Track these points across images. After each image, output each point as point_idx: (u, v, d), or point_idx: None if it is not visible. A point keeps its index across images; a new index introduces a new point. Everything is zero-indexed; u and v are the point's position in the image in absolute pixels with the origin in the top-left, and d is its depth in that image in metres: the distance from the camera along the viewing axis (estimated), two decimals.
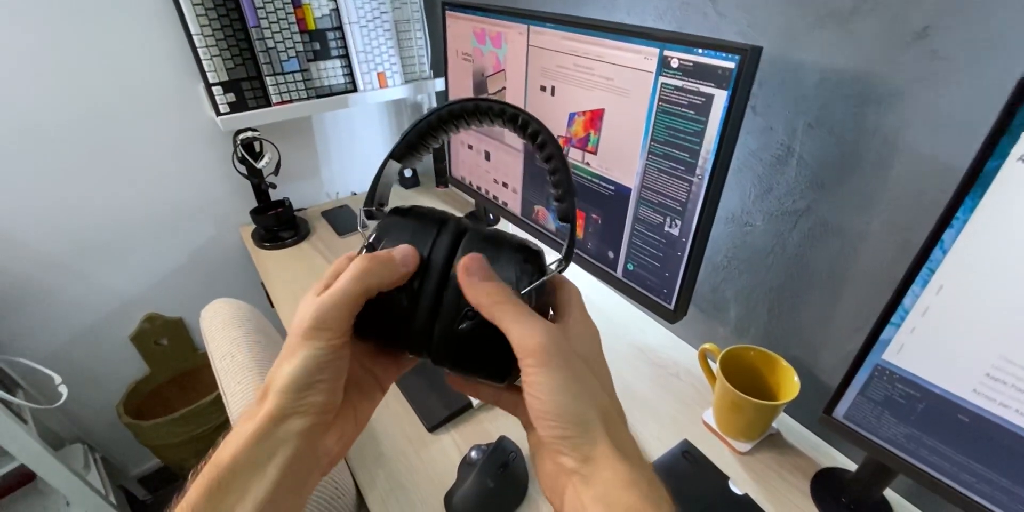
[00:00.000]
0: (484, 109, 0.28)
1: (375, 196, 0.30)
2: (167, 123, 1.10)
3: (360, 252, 0.27)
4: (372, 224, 0.29)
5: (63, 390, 1.04)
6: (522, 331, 0.23)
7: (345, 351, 0.25)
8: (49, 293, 1.13)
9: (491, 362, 0.26)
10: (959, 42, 0.48)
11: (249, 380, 0.59)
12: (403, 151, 0.29)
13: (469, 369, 0.27)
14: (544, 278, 0.26)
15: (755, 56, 0.51)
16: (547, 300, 0.28)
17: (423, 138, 0.29)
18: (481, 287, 0.24)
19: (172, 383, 1.38)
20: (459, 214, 0.31)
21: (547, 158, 0.28)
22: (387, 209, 0.29)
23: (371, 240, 0.27)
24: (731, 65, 0.52)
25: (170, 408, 1.22)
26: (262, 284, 1.10)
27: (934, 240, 0.39)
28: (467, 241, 0.27)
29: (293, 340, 0.24)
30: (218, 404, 1.25)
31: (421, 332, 0.26)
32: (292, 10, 1.03)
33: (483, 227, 0.28)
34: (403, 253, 0.26)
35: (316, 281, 0.27)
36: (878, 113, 0.56)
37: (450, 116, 0.28)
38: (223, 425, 1.29)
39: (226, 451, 0.23)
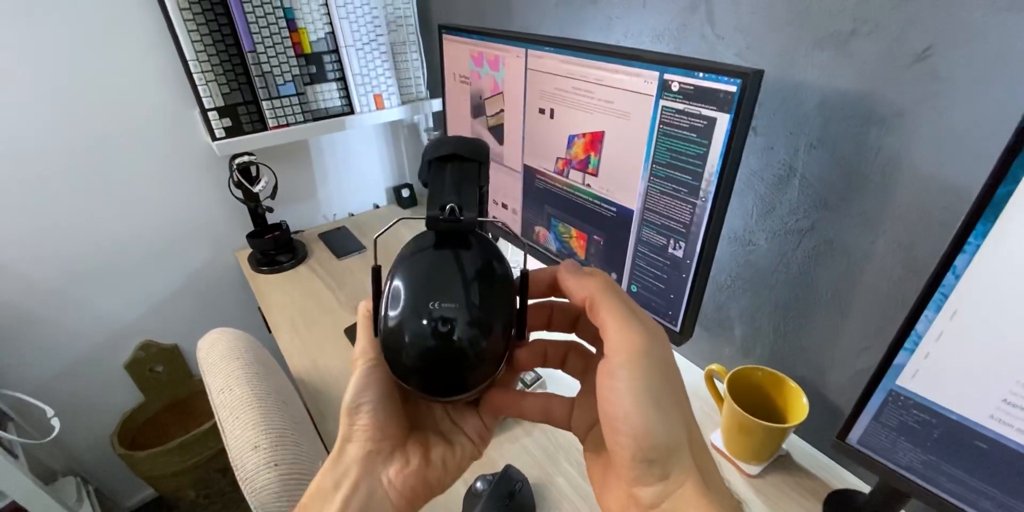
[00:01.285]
0: None
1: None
2: (162, 148, 1.10)
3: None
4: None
5: (55, 423, 1.01)
6: (620, 322, 0.20)
7: (380, 371, 0.25)
8: (41, 322, 1.11)
9: (473, 364, 0.23)
10: (960, 63, 0.48)
11: (248, 415, 0.57)
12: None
13: (464, 379, 0.24)
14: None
15: (757, 79, 0.51)
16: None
17: None
18: (589, 279, 0.22)
19: (167, 411, 1.35)
20: None
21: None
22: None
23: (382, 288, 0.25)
24: (733, 89, 0.52)
25: (166, 437, 1.20)
26: (259, 309, 1.09)
27: (946, 265, 0.39)
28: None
29: (355, 370, 0.25)
30: (215, 432, 1.22)
31: (413, 374, 0.24)
32: (288, 34, 1.04)
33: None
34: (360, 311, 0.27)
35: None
36: (880, 133, 0.56)
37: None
38: (220, 454, 1.26)
39: (314, 477, 0.24)
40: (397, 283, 0.24)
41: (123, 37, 0.98)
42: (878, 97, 0.55)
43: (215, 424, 1.20)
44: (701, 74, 0.54)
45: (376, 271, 0.26)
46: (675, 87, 0.57)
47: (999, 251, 0.37)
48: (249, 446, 0.56)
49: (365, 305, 0.26)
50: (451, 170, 0.26)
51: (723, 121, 0.54)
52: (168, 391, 1.34)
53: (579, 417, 0.25)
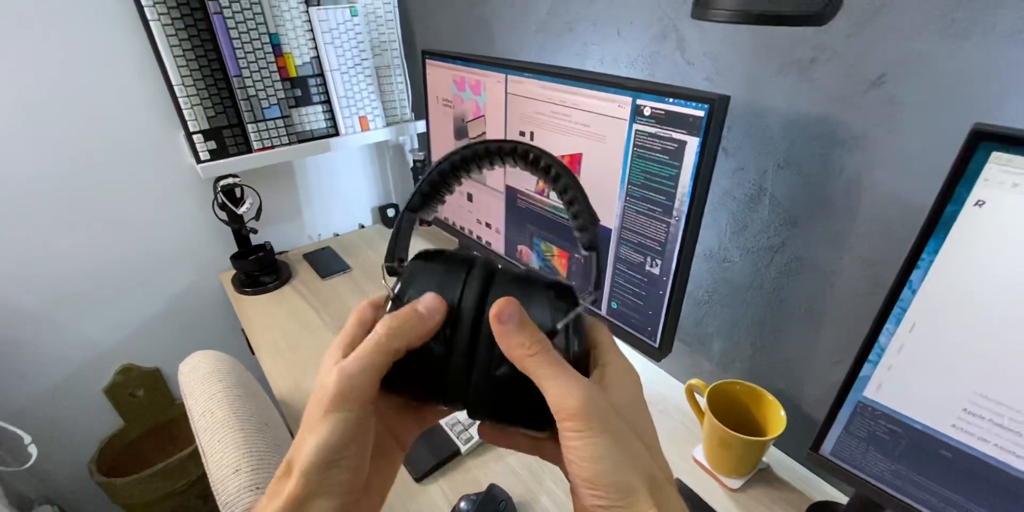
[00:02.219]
0: (494, 150, 0.27)
1: (395, 251, 0.28)
2: (145, 171, 1.10)
3: (386, 304, 0.26)
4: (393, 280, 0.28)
5: (32, 450, 0.99)
6: (559, 390, 0.22)
7: (371, 422, 0.23)
8: (19, 347, 1.09)
9: (532, 411, 0.24)
10: (913, 89, 0.51)
11: (229, 438, 0.57)
12: (419, 202, 0.28)
13: (508, 419, 0.25)
14: (575, 312, 0.25)
15: (723, 105, 0.54)
16: (582, 338, 0.26)
17: (436, 188, 0.28)
18: (514, 338, 0.23)
19: (148, 436, 1.33)
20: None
21: (563, 189, 0.27)
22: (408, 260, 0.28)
23: (396, 291, 0.25)
24: (701, 113, 0.54)
25: (145, 463, 1.17)
26: (242, 331, 1.08)
27: (903, 280, 0.41)
28: (498, 282, 0.25)
29: (315, 412, 0.22)
30: (196, 457, 1.20)
31: (457, 382, 0.24)
32: (273, 59, 1.06)
33: (514, 266, 0.27)
34: (428, 305, 0.24)
35: (338, 333, 0.26)
36: (842, 154, 0.58)
37: (462, 162, 0.27)
38: (201, 480, 1.23)
39: None
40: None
41: (108, 61, 0.99)
42: (839, 120, 0.58)
43: (196, 449, 1.17)
44: (671, 99, 0.57)
45: (397, 300, 0.25)
46: (647, 112, 0.59)
47: (950, 266, 0.39)
48: (230, 469, 0.56)
49: (385, 327, 0.23)
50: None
51: (693, 144, 0.56)
52: (149, 416, 1.32)
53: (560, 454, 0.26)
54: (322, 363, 0.24)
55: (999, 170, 0.35)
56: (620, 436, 0.22)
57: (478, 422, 0.26)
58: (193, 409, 0.64)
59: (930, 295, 0.40)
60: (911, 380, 0.42)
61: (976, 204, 0.37)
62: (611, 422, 0.22)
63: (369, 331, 0.26)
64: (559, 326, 0.24)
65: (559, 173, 0.27)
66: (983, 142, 0.36)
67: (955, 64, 0.48)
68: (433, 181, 0.28)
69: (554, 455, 0.27)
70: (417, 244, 1.33)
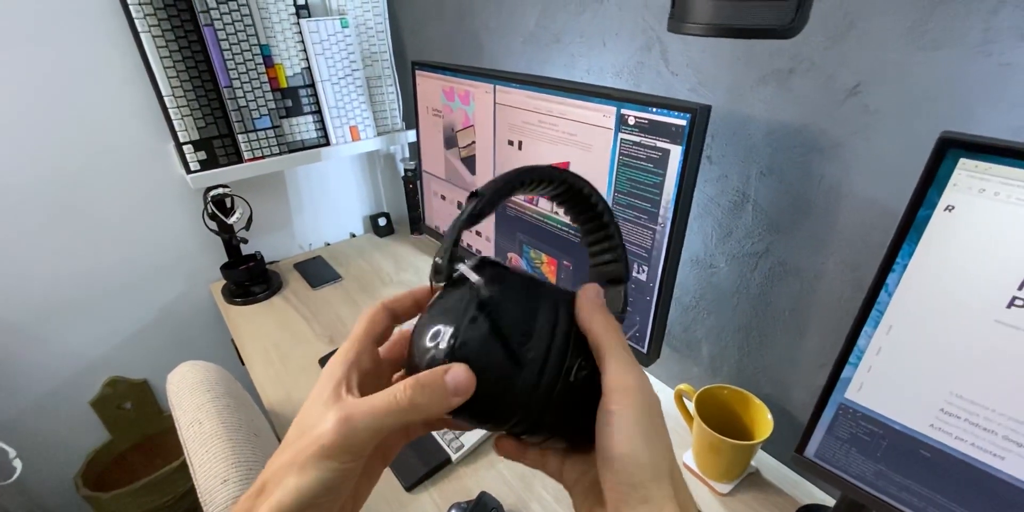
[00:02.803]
0: (546, 179, 0.26)
1: (451, 260, 0.26)
2: (134, 181, 1.10)
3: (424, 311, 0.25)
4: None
5: (17, 464, 0.98)
6: (621, 367, 0.23)
7: (359, 469, 0.23)
8: (3, 359, 1.08)
9: (590, 421, 0.24)
10: (888, 98, 0.53)
11: (217, 448, 0.57)
12: (471, 221, 0.26)
13: (570, 431, 0.25)
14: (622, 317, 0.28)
15: (705, 114, 0.55)
16: None
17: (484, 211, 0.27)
18: (600, 315, 0.25)
19: (135, 449, 1.31)
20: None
21: (606, 224, 0.28)
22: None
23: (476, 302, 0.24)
24: (683, 122, 0.56)
25: (133, 476, 1.16)
26: (232, 341, 1.08)
27: (879, 284, 0.42)
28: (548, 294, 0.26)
29: (309, 451, 0.21)
30: (184, 470, 1.18)
31: (527, 405, 0.23)
32: (264, 70, 1.07)
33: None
34: (459, 383, 0.22)
35: (345, 341, 0.25)
36: (822, 162, 0.60)
37: (520, 185, 0.26)
38: (189, 493, 1.22)
39: None
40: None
41: (98, 71, 0.99)
42: (818, 129, 0.59)
43: (184, 462, 1.16)
44: (654, 109, 0.58)
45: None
46: (631, 121, 0.61)
47: (924, 269, 0.40)
48: (218, 480, 0.55)
49: (410, 396, 0.22)
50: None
51: (676, 152, 0.57)
52: (136, 428, 1.30)
53: (571, 468, 0.27)
54: (323, 378, 0.24)
55: (967, 176, 0.37)
56: (657, 420, 0.23)
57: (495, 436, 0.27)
58: (181, 420, 0.63)
59: (906, 298, 0.41)
60: (890, 381, 0.43)
61: (946, 209, 0.38)
62: (653, 406, 0.24)
63: (381, 343, 0.27)
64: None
65: (604, 208, 0.28)
66: (951, 149, 0.37)
67: (926, 74, 0.50)
68: (491, 202, 0.26)
69: (555, 468, 0.28)
70: (406, 252, 1.34)
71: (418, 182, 1.16)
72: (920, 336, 0.41)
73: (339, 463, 0.21)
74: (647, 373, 0.28)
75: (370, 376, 0.26)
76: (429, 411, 0.22)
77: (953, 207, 0.38)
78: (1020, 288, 0.36)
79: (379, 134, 1.25)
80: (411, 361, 0.25)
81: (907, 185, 0.54)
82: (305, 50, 1.10)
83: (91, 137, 1.03)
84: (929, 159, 0.39)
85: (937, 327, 0.40)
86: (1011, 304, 0.36)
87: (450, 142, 0.95)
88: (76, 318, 1.13)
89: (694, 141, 0.56)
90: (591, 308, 0.25)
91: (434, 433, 0.76)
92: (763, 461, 0.74)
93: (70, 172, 1.03)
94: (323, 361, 0.95)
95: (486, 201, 0.25)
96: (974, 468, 0.40)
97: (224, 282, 1.20)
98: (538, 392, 0.23)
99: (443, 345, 0.23)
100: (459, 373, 0.22)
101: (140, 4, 0.92)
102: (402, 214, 1.47)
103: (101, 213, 1.08)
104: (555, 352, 0.24)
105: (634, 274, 0.67)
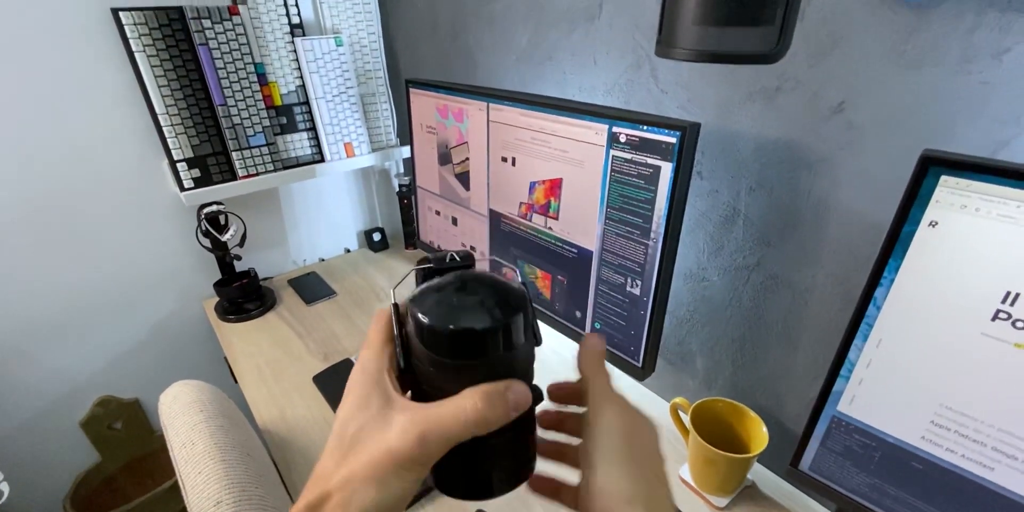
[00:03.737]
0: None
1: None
2: (127, 198, 1.10)
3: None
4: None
5: (4, 487, 0.96)
6: (598, 400, 0.27)
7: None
8: None
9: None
10: (871, 115, 0.54)
11: (210, 469, 0.56)
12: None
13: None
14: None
15: (694, 132, 0.56)
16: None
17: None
18: (600, 366, 0.28)
19: (125, 470, 1.29)
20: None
21: None
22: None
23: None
24: (673, 140, 0.57)
25: (123, 498, 1.13)
26: (225, 359, 1.07)
27: (867, 297, 0.42)
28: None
29: (386, 464, 0.21)
30: (175, 492, 1.16)
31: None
32: (259, 88, 1.08)
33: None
34: (517, 398, 0.23)
35: (369, 342, 0.26)
36: (810, 177, 0.61)
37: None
38: None
39: None
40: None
41: (91, 89, 0.99)
42: (804, 145, 0.60)
43: (175, 483, 1.14)
44: (645, 127, 0.59)
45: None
46: (623, 138, 0.62)
47: (910, 283, 0.41)
48: (211, 502, 0.55)
49: (482, 410, 0.23)
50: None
51: (667, 169, 0.58)
52: (127, 449, 1.28)
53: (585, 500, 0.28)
54: (360, 380, 0.24)
55: (948, 193, 0.38)
56: (638, 454, 0.26)
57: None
58: (173, 441, 0.63)
59: (894, 312, 0.42)
60: (881, 394, 0.43)
61: (930, 224, 0.39)
62: (635, 440, 0.26)
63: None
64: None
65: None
66: (932, 166, 0.38)
67: (908, 92, 0.51)
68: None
69: (570, 498, 0.30)
70: (401, 267, 1.34)
71: (413, 197, 1.17)
72: (909, 349, 0.41)
73: (416, 475, 0.22)
74: (644, 388, 0.30)
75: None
76: (491, 426, 0.23)
77: (937, 223, 0.38)
78: (1004, 301, 0.36)
79: (373, 150, 1.26)
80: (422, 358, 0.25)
81: (892, 199, 0.55)
82: (299, 68, 1.11)
83: (84, 155, 1.03)
84: (912, 176, 0.40)
85: (925, 340, 0.40)
86: (995, 317, 0.37)
87: (444, 159, 0.96)
88: (66, 336, 1.12)
89: (684, 158, 0.57)
90: (594, 361, 0.28)
91: None
92: (760, 474, 0.73)
93: (62, 189, 1.02)
94: (317, 379, 0.94)
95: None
96: (965, 479, 0.40)
97: (217, 299, 1.20)
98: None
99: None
100: (519, 389, 0.23)
101: (135, 24, 0.93)
102: (397, 229, 1.48)
103: (93, 230, 1.08)
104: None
105: (628, 288, 0.68)
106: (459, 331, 0.22)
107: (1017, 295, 0.36)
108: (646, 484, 0.24)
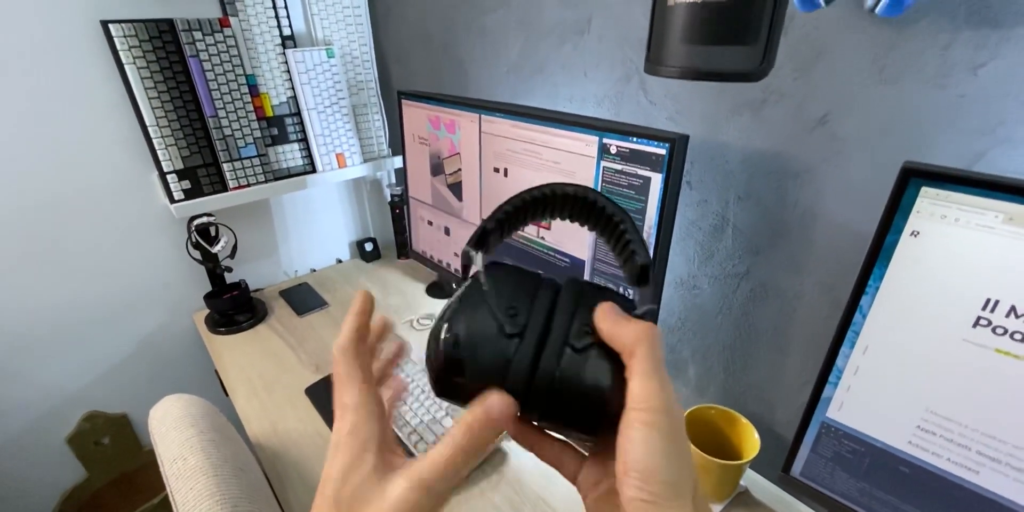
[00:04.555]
0: (560, 194, 0.28)
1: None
2: (116, 211, 1.09)
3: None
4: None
5: None
6: (651, 384, 0.22)
7: None
8: None
9: (603, 407, 0.23)
10: (854, 127, 0.56)
11: (202, 485, 0.56)
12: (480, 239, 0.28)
13: (576, 414, 0.24)
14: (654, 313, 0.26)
15: (683, 143, 0.58)
16: None
17: (500, 226, 0.28)
18: (623, 320, 0.23)
19: (113, 486, 1.26)
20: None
21: (623, 232, 0.28)
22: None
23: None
24: (662, 152, 0.58)
25: None
26: (216, 372, 1.06)
27: (854, 305, 0.43)
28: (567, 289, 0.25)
29: (414, 499, 0.21)
30: (164, 508, 1.15)
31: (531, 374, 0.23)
32: (250, 99, 1.08)
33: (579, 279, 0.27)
34: (501, 412, 0.22)
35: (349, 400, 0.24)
36: (796, 186, 0.62)
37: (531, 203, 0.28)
38: None
39: None
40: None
41: (80, 100, 0.99)
42: (790, 155, 0.62)
43: (164, 499, 1.13)
44: (635, 138, 0.60)
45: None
46: (613, 150, 0.63)
47: (895, 291, 0.42)
48: None
49: (469, 441, 0.22)
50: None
51: (657, 180, 0.59)
52: (114, 465, 1.26)
53: (587, 473, 0.27)
54: (349, 444, 0.23)
55: (929, 203, 0.39)
56: (680, 437, 0.22)
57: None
58: (164, 456, 0.62)
59: (879, 319, 0.43)
60: (868, 400, 0.44)
61: (912, 234, 0.40)
62: (677, 422, 0.22)
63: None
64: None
65: (622, 219, 0.28)
66: (913, 178, 0.39)
67: (889, 105, 0.53)
68: (499, 219, 0.28)
69: (571, 470, 0.27)
70: (393, 277, 1.34)
71: (405, 207, 1.17)
72: (895, 356, 0.42)
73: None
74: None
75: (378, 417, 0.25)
76: (485, 447, 0.22)
77: (918, 232, 0.40)
78: (984, 308, 0.38)
79: (365, 161, 1.26)
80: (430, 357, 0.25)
81: (876, 209, 0.56)
82: (291, 80, 1.12)
83: (72, 167, 1.02)
84: (893, 187, 0.41)
85: (910, 347, 0.41)
86: (976, 323, 0.38)
87: (436, 169, 0.97)
88: (54, 351, 1.10)
89: (673, 169, 0.58)
90: (610, 317, 0.23)
91: None
92: (752, 480, 0.74)
93: (49, 202, 1.01)
94: (309, 391, 0.94)
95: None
96: (951, 483, 0.41)
97: (207, 311, 1.19)
98: (522, 353, 0.23)
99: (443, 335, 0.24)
100: (494, 402, 0.22)
101: (125, 36, 0.93)
102: (389, 239, 1.48)
103: (81, 243, 1.07)
104: (535, 317, 0.24)
105: None
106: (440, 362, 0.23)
107: (997, 302, 0.37)
108: (691, 473, 0.22)
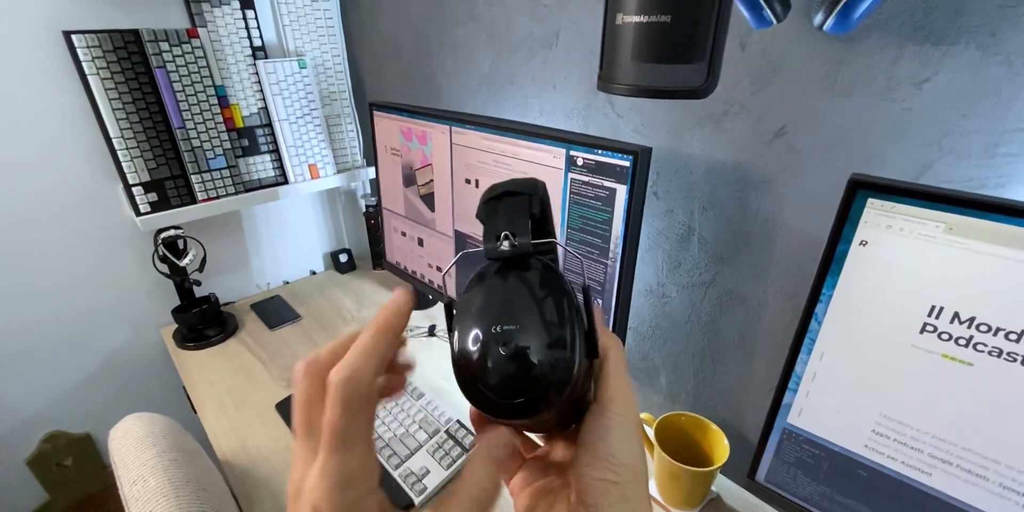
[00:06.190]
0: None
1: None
2: (79, 224, 1.06)
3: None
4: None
5: None
6: (622, 381, 0.25)
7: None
8: None
9: (584, 395, 0.25)
10: (809, 139, 0.58)
11: (163, 507, 0.54)
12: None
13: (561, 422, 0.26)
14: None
15: (646, 156, 0.59)
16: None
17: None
18: (606, 333, 0.26)
19: (76, 509, 1.22)
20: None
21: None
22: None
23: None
24: (627, 163, 0.59)
25: None
26: (184, 389, 1.04)
27: (809, 313, 0.45)
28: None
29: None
30: None
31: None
32: (219, 110, 1.07)
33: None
34: (502, 453, 0.24)
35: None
36: (757, 197, 0.64)
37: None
38: None
39: None
40: (465, 314, 0.24)
41: (41, 111, 0.96)
42: (751, 166, 0.64)
43: None
44: (600, 151, 0.61)
45: (448, 306, 0.26)
46: (580, 162, 0.64)
47: (847, 299, 0.43)
48: None
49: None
50: (503, 205, 0.27)
51: (622, 191, 0.60)
52: (77, 487, 1.22)
53: (524, 475, 0.28)
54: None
55: (875, 214, 0.40)
56: (640, 438, 0.25)
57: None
58: (124, 478, 0.60)
59: (834, 326, 0.44)
60: (826, 405, 0.45)
61: (861, 244, 0.41)
62: (640, 422, 0.27)
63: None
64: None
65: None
66: (860, 190, 0.41)
67: (841, 117, 0.55)
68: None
69: (511, 469, 0.28)
70: (368, 288, 1.33)
71: (379, 218, 1.17)
72: (849, 361, 0.43)
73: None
74: None
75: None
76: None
77: (867, 242, 0.41)
78: (930, 315, 0.39)
79: (339, 171, 1.25)
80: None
81: (830, 218, 0.58)
82: (262, 91, 1.11)
83: (32, 179, 0.99)
84: (842, 199, 0.42)
85: (863, 353, 0.43)
86: (923, 330, 0.39)
87: (409, 180, 0.97)
88: (13, 369, 1.06)
89: (638, 180, 0.59)
90: (604, 330, 0.26)
91: (396, 477, 0.74)
92: (724, 486, 0.75)
93: (8, 215, 0.99)
94: (279, 406, 0.92)
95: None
96: (906, 485, 0.42)
97: (175, 326, 1.16)
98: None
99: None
100: (494, 443, 0.24)
101: (88, 47, 0.92)
102: (364, 250, 1.47)
103: (43, 257, 1.04)
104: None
105: None
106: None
107: (941, 309, 0.38)
108: (646, 466, 0.25)
